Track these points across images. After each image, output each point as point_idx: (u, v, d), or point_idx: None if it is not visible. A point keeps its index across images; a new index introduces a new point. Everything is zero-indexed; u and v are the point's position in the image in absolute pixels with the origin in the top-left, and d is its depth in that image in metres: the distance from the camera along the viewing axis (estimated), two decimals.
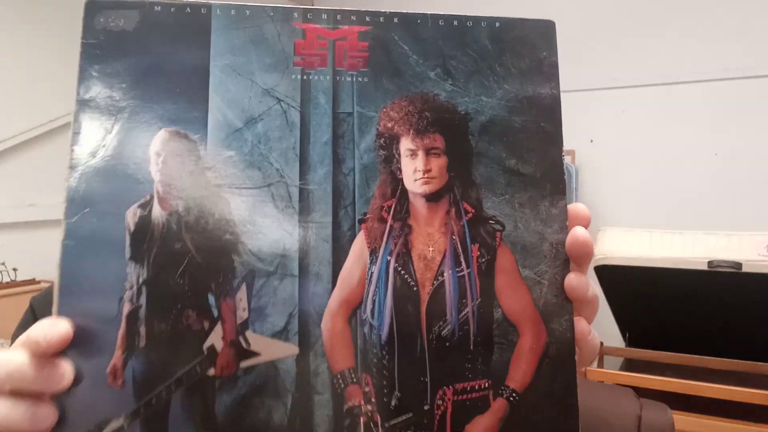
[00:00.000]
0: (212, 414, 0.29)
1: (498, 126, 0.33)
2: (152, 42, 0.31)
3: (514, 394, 0.30)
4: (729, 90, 2.23)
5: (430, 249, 0.32)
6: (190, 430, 0.29)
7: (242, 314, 0.30)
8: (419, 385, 0.30)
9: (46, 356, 0.28)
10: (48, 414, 0.28)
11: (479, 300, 0.31)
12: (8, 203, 1.99)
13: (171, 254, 0.30)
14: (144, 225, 0.30)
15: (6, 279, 1.90)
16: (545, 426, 0.30)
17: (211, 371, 0.29)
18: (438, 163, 0.32)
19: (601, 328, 2.17)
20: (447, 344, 0.31)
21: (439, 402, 0.30)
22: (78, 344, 0.28)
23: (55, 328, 0.28)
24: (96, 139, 0.30)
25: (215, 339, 0.30)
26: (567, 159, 2.41)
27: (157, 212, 0.30)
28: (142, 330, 0.29)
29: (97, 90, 0.30)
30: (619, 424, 0.79)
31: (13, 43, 1.99)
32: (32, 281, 1.94)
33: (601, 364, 2.01)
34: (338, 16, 0.32)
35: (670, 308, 1.82)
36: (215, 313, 0.30)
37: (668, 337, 1.89)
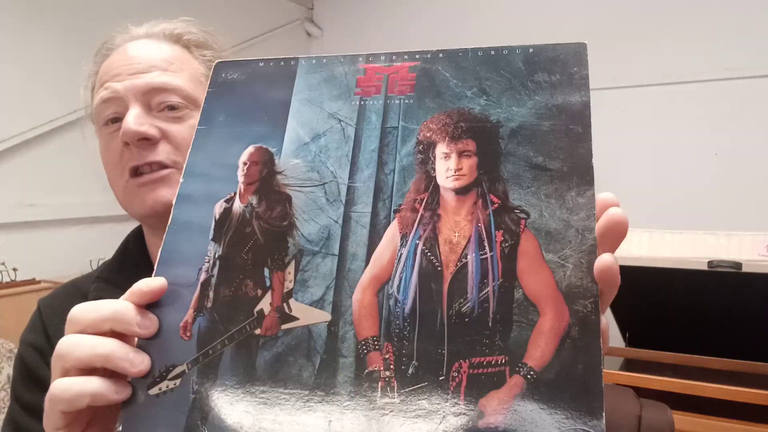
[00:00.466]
0: (253, 366, 0.34)
1: (527, 130, 0.36)
2: (253, 85, 0.42)
3: (531, 372, 0.30)
4: (729, 90, 2.23)
5: (456, 234, 0.34)
6: (234, 378, 0.33)
7: (289, 285, 0.35)
8: (436, 357, 0.32)
9: (144, 304, 0.35)
10: (144, 358, 0.34)
11: (500, 280, 0.33)
12: (8, 203, 1.98)
13: (242, 236, 0.37)
14: (226, 214, 0.38)
15: (6, 279, 1.90)
16: (566, 406, 0.29)
17: (258, 330, 0.34)
18: (469, 163, 0.36)
19: None
20: (466, 320, 0.32)
21: (455, 374, 0.31)
22: (163, 302, 0.36)
23: (154, 280, 0.36)
24: (204, 154, 0.40)
25: (265, 304, 0.35)
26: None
27: (237, 205, 0.38)
28: (211, 294, 0.36)
29: (212, 122, 0.41)
30: (619, 424, 0.79)
31: (13, 43, 1.99)
32: (32, 281, 1.93)
33: None
34: (394, 57, 0.40)
35: (670, 308, 1.81)
36: (268, 283, 0.36)
37: (668, 337, 1.88)
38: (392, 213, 0.36)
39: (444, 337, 0.32)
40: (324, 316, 0.34)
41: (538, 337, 0.31)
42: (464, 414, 0.30)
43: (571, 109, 0.36)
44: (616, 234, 0.32)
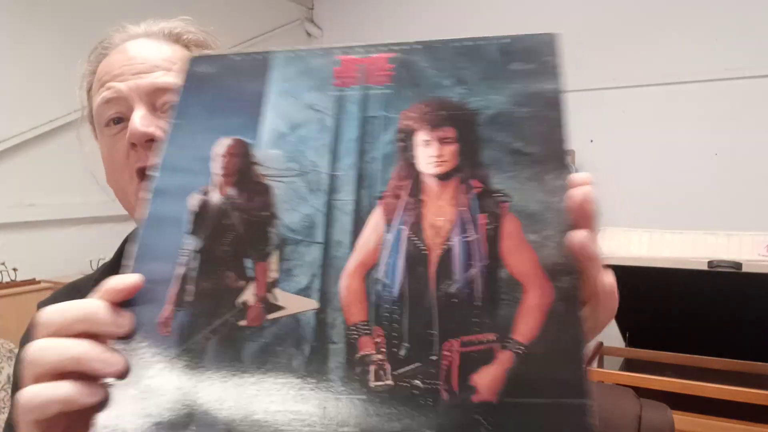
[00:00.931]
0: (240, 358, 0.33)
1: (505, 117, 0.37)
2: (228, 79, 0.41)
3: (520, 346, 0.31)
4: (729, 90, 2.23)
5: (440, 219, 0.35)
6: (220, 371, 0.33)
7: (273, 275, 0.35)
8: (427, 338, 0.32)
9: (117, 302, 0.34)
10: (120, 358, 0.33)
11: (486, 261, 0.33)
12: (8, 203, 1.98)
13: (221, 228, 0.36)
14: (203, 207, 0.37)
15: (6, 279, 1.90)
16: (552, 376, 0.30)
17: (242, 322, 0.34)
18: (449, 150, 0.36)
19: None
20: (454, 300, 0.33)
21: (447, 353, 0.32)
22: (139, 299, 0.34)
23: (129, 277, 0.34)
24: (178, 148, 0.39)
25: (248, 295, 0.34)
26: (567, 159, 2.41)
27: (215, 197, 0.37)
28: (190, 288, 0.35)
29: (186, 116, 0.40)
30: (619, 424, 0.79)
31: (13, 43, 1.99)
32: (32, 281, 1.93)
33: (601, 364, 2.01)
34: (371, 48, 0.40)
35: (670, 308, 1.81)
36: (250, 273, 0.35)
37: (668, 337, 1.88)
38: (375, 200, 0.36)
39: (434, 318, 0.32)
40: (311, 303, 0.34)
41: (524, 314, 0.32)
42: (458, 390, 0.31)
43: (546, 96, 0.37)
44: (584, 212, 0.32)
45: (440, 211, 0.35)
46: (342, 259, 0.35)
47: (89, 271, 0.73)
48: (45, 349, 0.32)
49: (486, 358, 0.31)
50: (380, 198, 0.36)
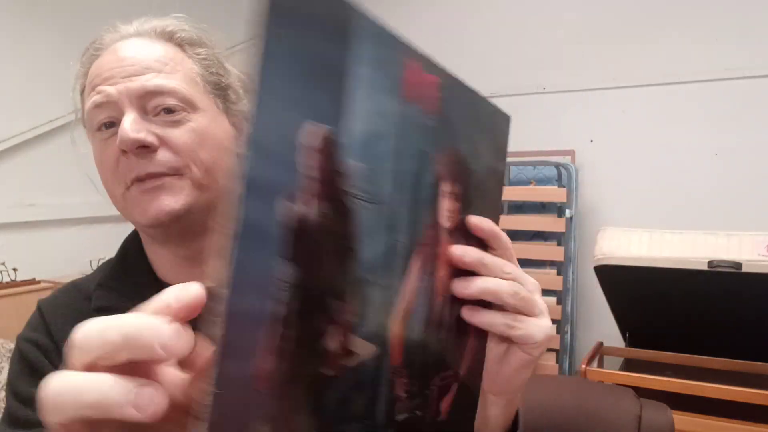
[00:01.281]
0: (323, 408, 0.30)
1: (480, 184, 0.42)
2: (314, 22, 0.27)
3: (462, 379, 0.42)
4: (729, 90, 2.23)
5: (444, 272, 0.39)
6: (305, 424, 0.28)
7: (353, 318, 0.31)
8: (426, 376, 0.38)
9: (184, 320, 0.25)
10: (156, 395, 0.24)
11: (457, 313, 0.41)
12: (8, 203, 1.98)
13: (316, 257, 0.28)
14: (295, 222, 0.27)
15: (6, 279, 1.90)
16: (468, 397, 0.43)
17: (326, 370, 0.30)
18: (456, 206, 0.39)
19: (601, 328, 2.17)
20: (441, 344, 0.39)
21: (432, 387, 0.39)
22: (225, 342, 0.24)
23: (188, 290, 0.26)
24: (271, 117, 0.25)
25: (332, 340, 0.30)
26: (567, 159, 2.41)
27: (306, 210, 0.27)
28: (287, 332, 0.26)
29: (280, 65, 0.26)
30: (619, 424, 0.79)
31: (13, 43, 1.99)
32: (32, 281, 1.93)
33: (601, 364, 2.01)
34: (432, 66, 0.36)
35: (670, 308, 1.81)
36: (336, 316, 0.30)
37: (668, 337, 1.88)
38: (416, 245, 0.36)
39: (430, 358, 0.38)
40: (372, 348, 0.33)
41: (466, 355, 0.42)
42: (433, 415, 0.39)
43: (498, 176, 0.44)
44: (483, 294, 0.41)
45: (446, 265, 0.39)
46: (394, 304, 0.34)
47: (89, 271, 0.72)
48: (79, 392, 0.24)
49: (448, 388, 0.40)
50: (420, 244, 0.36)
